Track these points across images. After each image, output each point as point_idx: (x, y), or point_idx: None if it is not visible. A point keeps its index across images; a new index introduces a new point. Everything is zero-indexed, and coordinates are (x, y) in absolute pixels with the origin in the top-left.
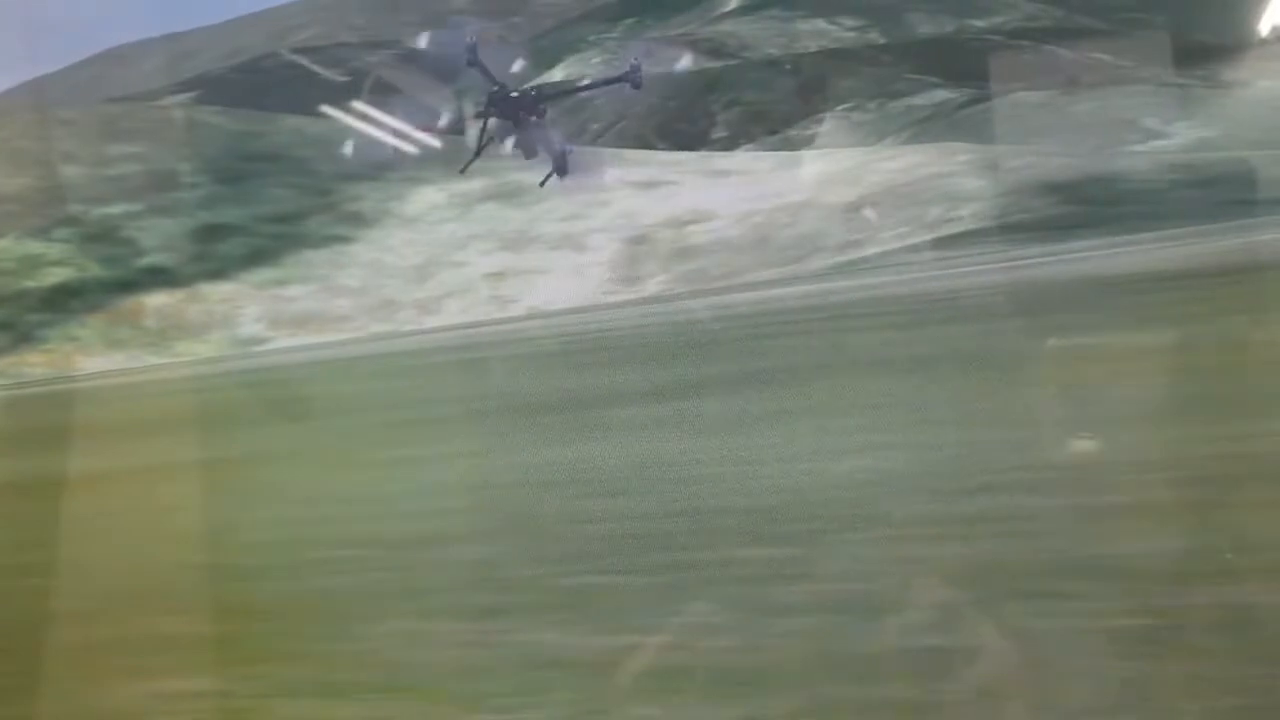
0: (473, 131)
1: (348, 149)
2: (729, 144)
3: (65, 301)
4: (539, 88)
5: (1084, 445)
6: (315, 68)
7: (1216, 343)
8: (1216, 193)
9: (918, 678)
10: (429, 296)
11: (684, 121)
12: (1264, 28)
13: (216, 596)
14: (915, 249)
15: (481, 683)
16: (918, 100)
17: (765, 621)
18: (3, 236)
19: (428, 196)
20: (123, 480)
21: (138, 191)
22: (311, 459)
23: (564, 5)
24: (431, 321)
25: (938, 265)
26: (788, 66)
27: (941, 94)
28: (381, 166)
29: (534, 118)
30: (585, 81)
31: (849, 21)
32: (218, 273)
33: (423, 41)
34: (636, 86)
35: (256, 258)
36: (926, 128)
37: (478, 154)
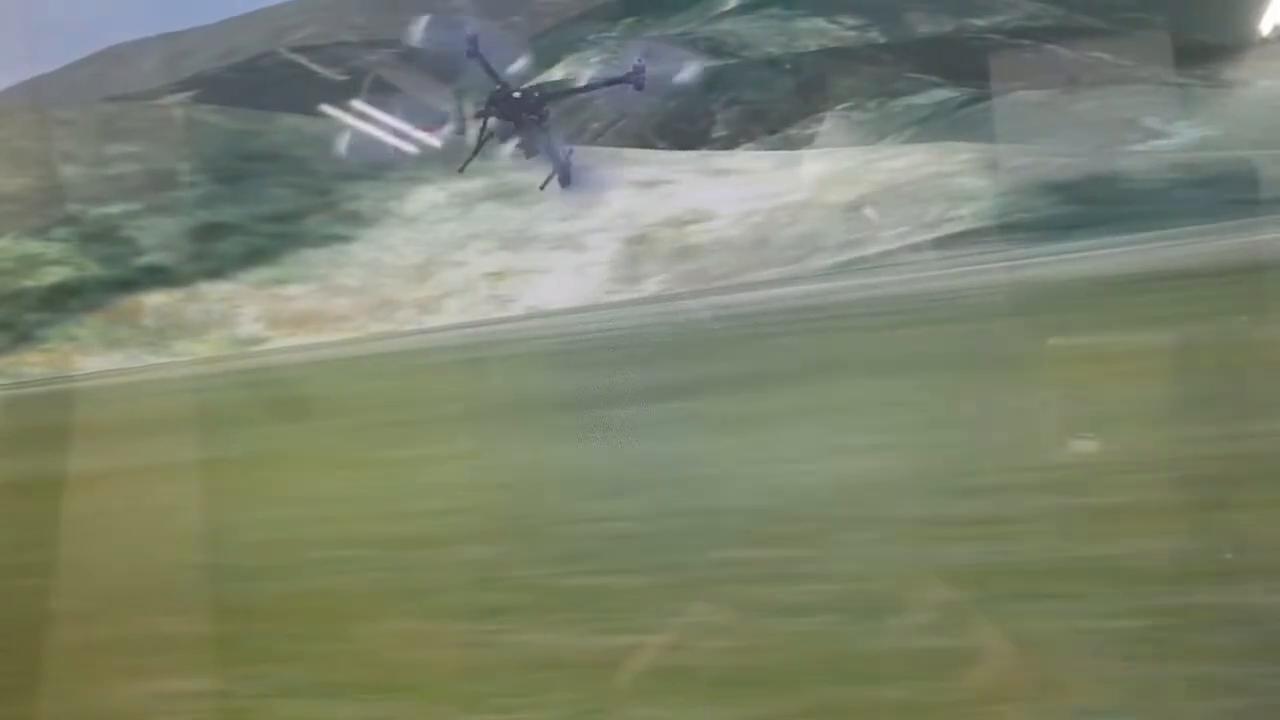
0: (472, 130)
1: (342, 148)
2: (729, 143)
3: (64, 301)
4: (541, 88)
5: (1084, 445)
6: (314, 67)
7: (1217, 343)
8: (1217, 192)
9: (918, 679)
10: (428, 296)
11: (683, 121)
12: (1264, 27)
13: (215, 596)
14: (916, 248)
15: (481, 683)
16: (918, 99)
17: (765, 622)
18: (2, 236)
19: (427, 196)
20: (122, 480)
21: (136, 191)
22: (311, 459)
23: (563, 4)
24: (431, 321)
25: (938, 265)
26: (788, 66)
27: (942, 93)
28: (381, 166)
29: (536, 119)
30: (587, 82)
31: (849, 20)
32: (216, 272)
33: (419, 28)
34: (639, 88)
35: (255, 257)
36: (927, 127)
37: (476, 152)
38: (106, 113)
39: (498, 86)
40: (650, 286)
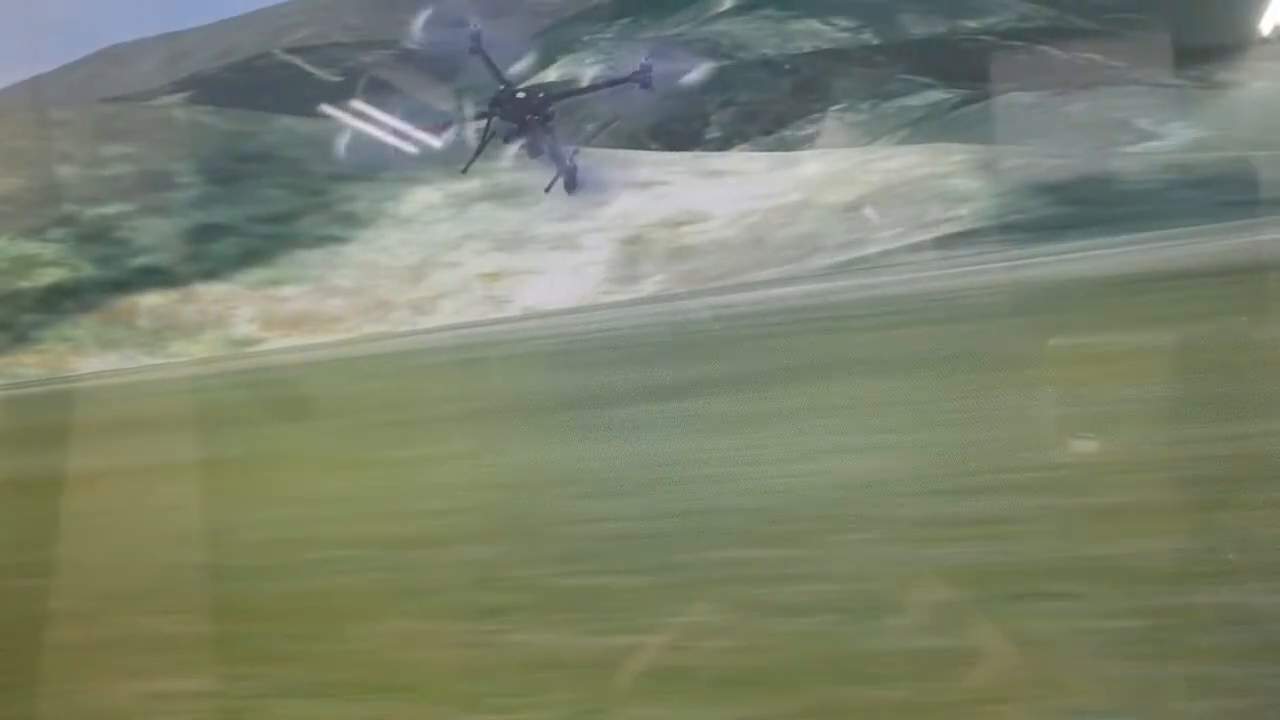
0: (472, 129)
1: (342, 149)
2: (723, 144)
3: (59, 302)
4: (545, 88)
5: (1081, 445)
6: (309, 68)
7: (1213, 343)
8: (1210, 193)
9: (917, 679)
10: (423, 297)
11: (678, 122)
12: (1256, 29)
13: (214, 596)
14: (910, 249)
15: (480, 683)
16: (911, 101)
17: (764, 622)
18: None
19: (422, 196)
20: (119, 480)
21: (132, 191)
22: (308, 459)
23: (558, 5)
24: (426, 322)
25: (932, 265)
26: (785, 67)
27: (935, 94)
28: (376, 167)
29: (540, 120)
30: (593, 82)
31: (842, 22)
32: (211, 273)
33: (420, 24)
34: (646, 87)
35: (250, 258)
36: (920, 128)
37: (479, 153)
38: (103, 113)
39: (501, 86)
40: (646, 287)
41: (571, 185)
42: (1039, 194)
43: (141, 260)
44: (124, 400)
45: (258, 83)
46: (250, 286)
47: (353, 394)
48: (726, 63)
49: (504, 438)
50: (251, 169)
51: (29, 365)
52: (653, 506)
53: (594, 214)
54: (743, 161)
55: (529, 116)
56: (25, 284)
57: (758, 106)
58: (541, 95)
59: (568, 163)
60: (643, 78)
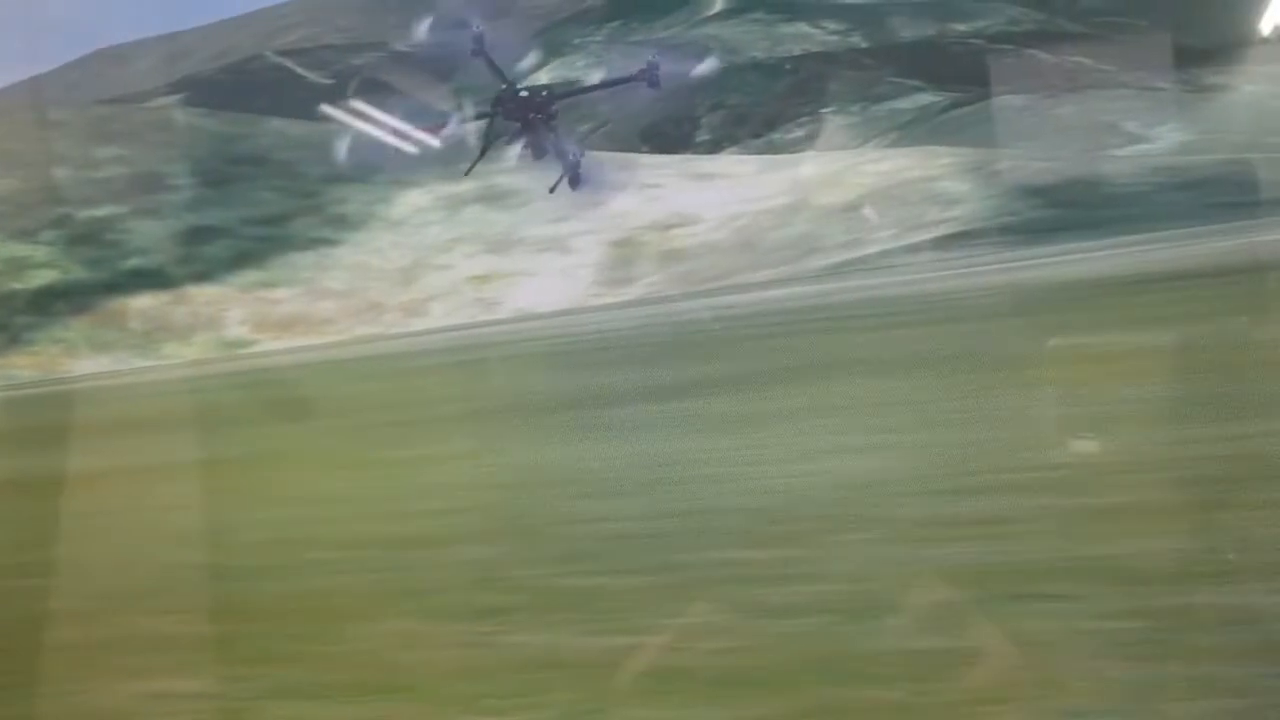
0: (471, 127)
1: (340, 150)
2: (713, 147)
3: (51, 304)
4: (550, 87)
5: (1077, 445)
6: (301, 70)
7: (1206, 344)
8: (1199, 195)
9: (914, 680)
10: (414, 299)
11: (668, 125)
12: (1243, 33)
13: (212, 597)
14: (900, 252)
15: (477, 684)
16: (900, 103)
17: (761, 623)
18: None
19: (414, 199)
20: (115, 481)
21: (125, 194)
22: (304, 459)
23: (549, 8)
24: (417, 324)
25: (923, 268)
26: (787, 67)
27: (924, 97)
28: (368, 169)
29: (544, 118)
30: (600, 80)
31: (832, 25)
32: (203, 275)
33: (424, 28)
34: (654, 85)
35: (242, 260)
36: (910, 131)
37: (483, 154)
38: (97, 115)
39: (503, 85)
40: (636, 289)
41: (576, 181)
42: (1028, 197)
43: (133, 262)
44: (118, 402)
45: (250, 85)
46: (242, 289)
47: (347, 395)
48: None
49: (500, 438)
50: (244, 171)
51: (21, 367)
52: (651, 506)
53: (584, 216)
54: (733, 164)
55: (532, 115)
56: (17, 286)
57: (748, 109)
58: (545, 93)
59: (571, 159)
60: (650, 76)
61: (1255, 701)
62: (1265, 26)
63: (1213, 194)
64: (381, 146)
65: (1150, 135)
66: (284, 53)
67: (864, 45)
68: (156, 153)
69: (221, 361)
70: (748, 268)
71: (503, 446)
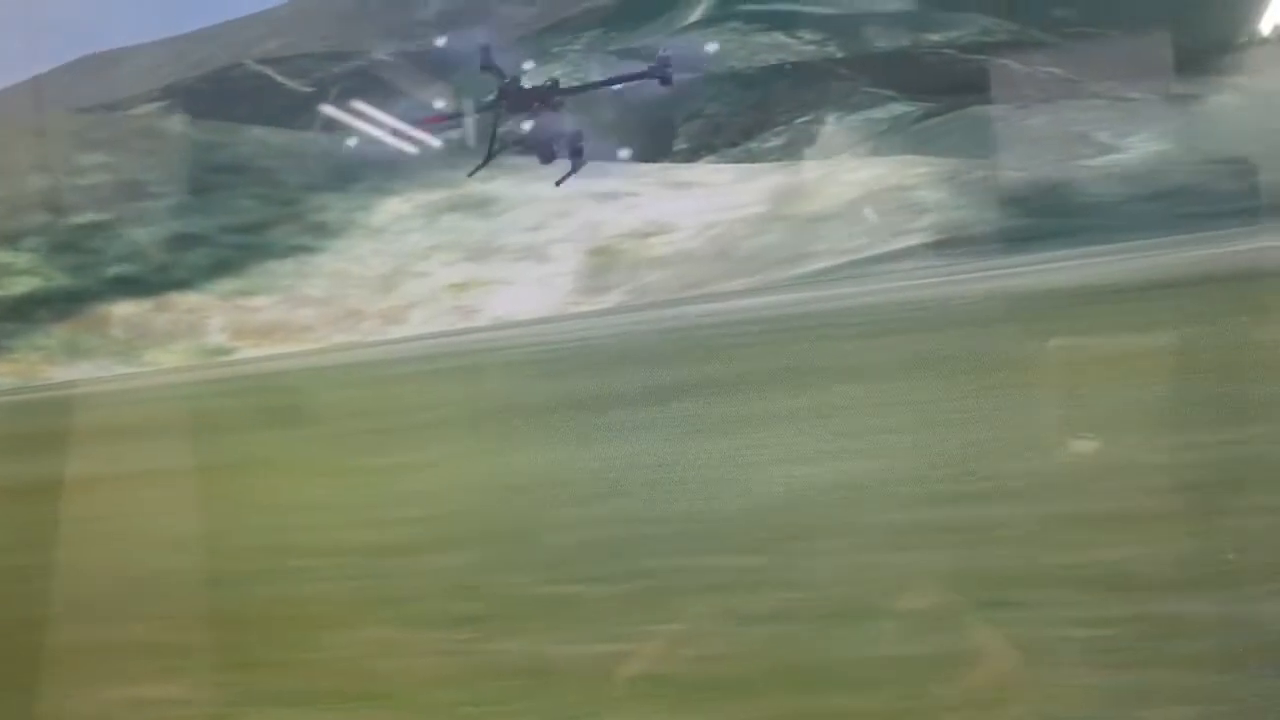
0: (470, 122)
1: (351, 143)
2: (690, 156)
3: (33, 311)
4: (556, 81)
5: (1060, 450)
6: (281, 78)
7: (1179, 350)
8: (1170, 205)
9: (891, 686)
10: (393, 307)
11: (645, 134)
12: (1214, 44)
13: (191, 604)
14: (876, 260)
15: (455, 691)
16: (876, 113)
17: (736, 630)
18: None
19: (393, 207)
20: (93, 488)
21: (106, 201)
22: (281, 468)
23: (527, 19)
24: (396, 332)
25: (897, 277)
26: (768, 77)
27: (899, 107)
28: (347, 178)
29: (550, 108)
30: (611, 75)
31: (807, 35)
32: (184, 283)
33: (441, 44)
34: (666, 82)
35: (222, 268)
36: (885, 141)
37: (490, 157)
38: (79, 123)
39: (505, 79)
40: (613, 297)
41: (578, 156)
42: (1002, 206)
43: (115, 270)
44: (97, 409)
45: (231, 93)
46: (222, 296)
47: (327, 402)
48: (693, 75)
49: (478, 445)
50: (224, 179)
51: (2, 375)
52: (628, 513)
53: (561, 225)
54: (710, 173)
55: (537, 104)
56: (0, 293)
57: (725, 119)
58: (549, 85)
59: (571, 136)
60: (662, 72)
61: (1228, 709)
62: (1235, 39)
63: (1183, 204)
64: (382, 144)
65: (1121, 145)
66: (264, 61)
67: (839, 55)
68: (138, 160)
69: (202, 369)
70: (725, 276)
71: (481, 453)
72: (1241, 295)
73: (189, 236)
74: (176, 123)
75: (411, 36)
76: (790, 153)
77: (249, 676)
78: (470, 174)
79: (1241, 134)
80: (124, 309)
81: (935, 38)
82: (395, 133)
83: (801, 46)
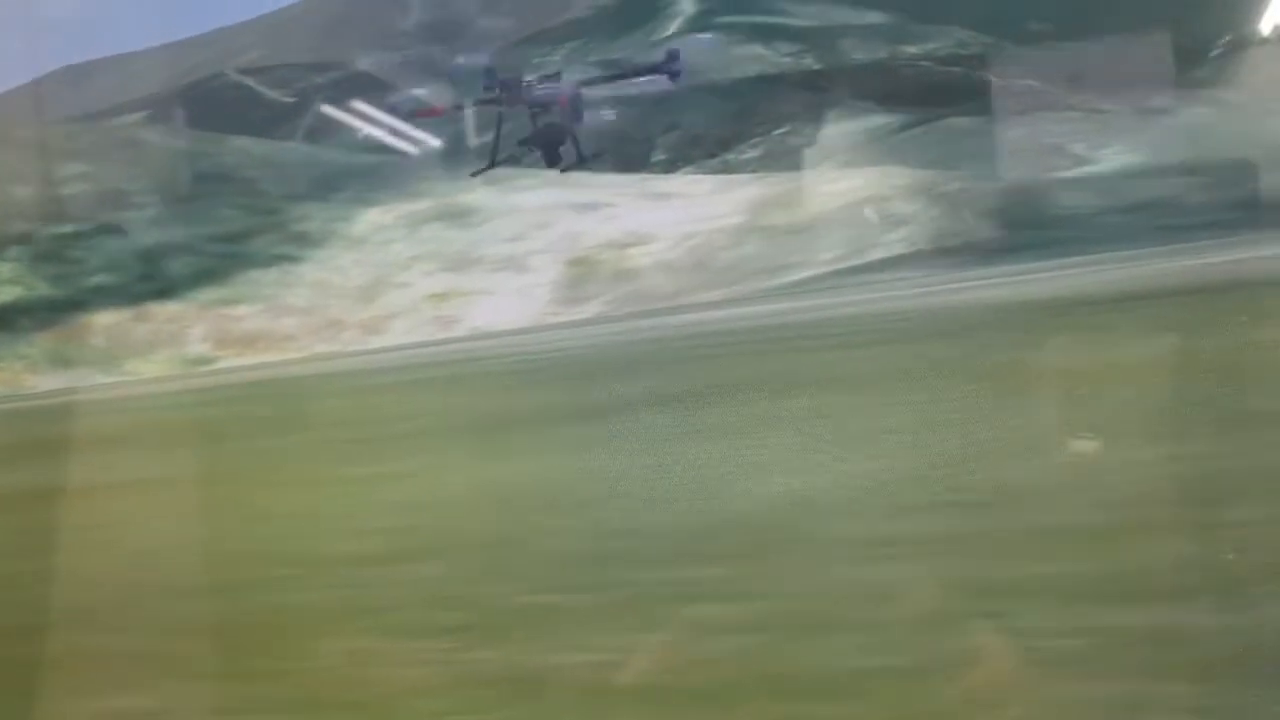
0: (469, 114)
1: (363, 131)
2: (668, 167)
3: (15, 320)
4: (559, 75)
5: (1057, 456)
6: (262, 88)
7: (1156, 363)
8: (1145, 218)
9: (864, 698)
10: (374, 317)
11: (623, 145)
12: (1189, 58)
13: (169, 613)
14: (853, 271)
15: (433, 700)
16: (853, 125)
17: (710, 641)
18: None
19: (374, 217)
20: (72, 498)
21: (88, 211)
22: (261, 477)
23: (506, 30)
24: (377, 341)
25: (876, 288)
26: (746, 89)
27: (876, 119)
28: (329, 188)
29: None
30: (621, 71)
31: (785, 47)
32: (165, 292)
33: (458, 63)
34: (675, 77)
35: (204, 277)
36: (862, 152)
37: (494, 160)
38: (61, 132)
39: (506, 80)
40: (592, 308)
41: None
42: (978, 217)
43: (96, 279)
44: (80, 418)
45: (212, 103)
46: (203, 305)
47: (307, 412)
48: (671, 87)
49: (458, 455)
50: (206, 189)
51: None
52: (612, 521)
53: (540, 235)
54: (688, 184)
55: (537, 103)
56: None
57: (703, 130)
58: (555, 76)
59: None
60: (670, 67)
61: None
62: (1210, 52)
63: (1158, 216)
64: (366, 153)
65: (1096, 157)
66: (245, 71)
67: (817, 67)
68: (120, 170)
69: (184, 378)
70: (703, 286)
71: (461, 463)
72: (1219, 306)
73: (170, 246)
74: (157, 132)
75: (394, 47)
76: (768, 164)
77: (229, 686)
78: (474, 174)
79: (1216, 146)
80: (105, 318)
81: (912, 50)
82: (387, 129)
83: (779, 58)
